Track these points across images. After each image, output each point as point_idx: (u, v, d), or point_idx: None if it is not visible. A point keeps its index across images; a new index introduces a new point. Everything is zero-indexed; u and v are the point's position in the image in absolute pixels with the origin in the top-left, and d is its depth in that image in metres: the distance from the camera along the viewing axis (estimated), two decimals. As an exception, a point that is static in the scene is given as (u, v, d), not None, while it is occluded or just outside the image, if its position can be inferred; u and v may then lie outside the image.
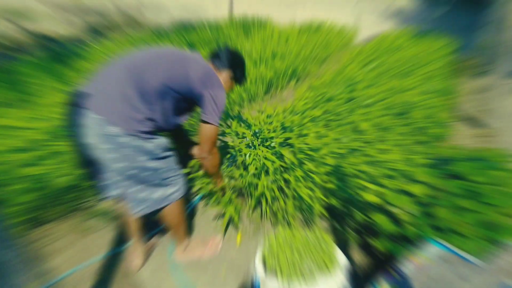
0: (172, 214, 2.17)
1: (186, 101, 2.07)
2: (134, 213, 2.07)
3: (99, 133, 1.80)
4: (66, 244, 2.46)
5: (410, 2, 17.58)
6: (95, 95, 1.83)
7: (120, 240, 2.52)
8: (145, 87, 1.88)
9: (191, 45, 6.06)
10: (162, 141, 1.98)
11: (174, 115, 2.07)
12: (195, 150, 2.56)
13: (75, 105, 1.85)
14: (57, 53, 5.32)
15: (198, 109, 2.18)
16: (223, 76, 2.27)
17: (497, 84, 4.17)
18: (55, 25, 9.71)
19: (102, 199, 2.18)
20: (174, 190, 2.10)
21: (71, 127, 1.88)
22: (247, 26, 7.67)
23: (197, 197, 2.88)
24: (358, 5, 8.53)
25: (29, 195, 2.33)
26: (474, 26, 11.05)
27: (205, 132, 2.13)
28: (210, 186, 2.60)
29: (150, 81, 1.89)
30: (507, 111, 3.73)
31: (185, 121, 2.24)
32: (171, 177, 2.07)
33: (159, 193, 2.05)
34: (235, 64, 2.31)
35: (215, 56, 2.29)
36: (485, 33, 6.88)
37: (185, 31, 6.81)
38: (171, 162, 2.07)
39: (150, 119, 1.90)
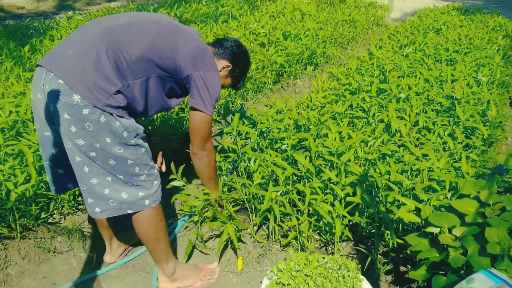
0: (147, 225, 2.15)
1: (172, 81, 2.15)
2: (93, 213, 2.09)
3: (62, 100, 1.86)
4: (25, 268, 2.47)
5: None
6: (64, 59, 1.92)
7: (91, 265, 2.52)
8: (122, 56, 1.95)
9: (184, 22, 6.08)
10: (132, 123, 2.01)
11: (155, 96, 2.14)
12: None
13: (43, 66, 1.93)
14: (16, 31, 5.36)
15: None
16: (221, 65, 2.35)
17: None
18: (15, -4, 9.77)
19: (57, 190, 2.25)
20: (147, 193, 2.10)
21: (34, 90, 1.98)
22: (253, -1, 7.69)
23: (185, 215, 2.88)
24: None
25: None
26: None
27: (194, 122, 2.22)
28: (204, 198, 2.61)
29: (129, 50, 1.97)
30: None
31: (170, 108, 2.32)
32: (142, 175, 2.07)
33: (127, 193, 2.05)
34: (238, 59, 2.42)
35: (218, 42, 2.37)
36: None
37: (176, 5, 6.83)
38: (144, 155, 2.07)
39: (123, 94, 1.96)
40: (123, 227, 2.49)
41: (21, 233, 2.60)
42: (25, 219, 2.64)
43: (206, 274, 2.43)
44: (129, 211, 2.09)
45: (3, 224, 2.57)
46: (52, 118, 1.98)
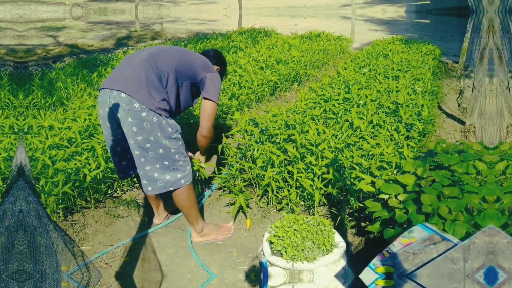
0: (182, 198, 2.18)
1: (192, 86, 2.24)
2: (147, 191, 2.14)
3: (126, 109, 1.93)
4: (98, 229, 2.48)
5: (399, 13, 17.42)
6: (122, 79, 1.99)
7: (144, 226, 2.53)
8: (161, 72, 2.03)
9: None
10: (173, 121, 2.08)
11: (183, 98, 2.22)
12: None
13: (106, 88, 2.00)
14: (87, 62, 5.35)
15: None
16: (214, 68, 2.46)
17: (477, 86, 4.12)
18: (87, 38, 9.76)
19: (122, 177, 2.35)
20: (183, 175, 2.12)
21: (102, 106, 2.04)
22: (254, 36, 7.64)
23: (211, 186, 2.89)
24: (353, 16, 8.47)
25: (65, 186, 2.35)
26: (455, 34, 10.93)
27: (208, 109, 2.27)
28: (223, 177, 2.63)
29: (165, 67, 2.05)
30: (486, 109, 3.69)
31: (191, 105, 2.39)
32: (180, 161, 2.10)
33: (170, 175, 2.08)
34: (220, 61, 2.56)
35: (205, 55, 2.48)
36: (465, 40, 6.79)
37: (199, 41, 6.80)
38: (181, 146, 2.11)
39: (166, 100, 2.02)
40: (165, 198, 2.49)
41: (94, 204, 2.61)
42: (97, 194, 2.65)
43: (225, 230, 2.44)
44: (171, 188, 2.13)
45: (81, 198, 2.58)
46: (117, 124, 2.04)
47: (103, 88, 2.02)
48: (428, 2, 18.26)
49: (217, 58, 2.54)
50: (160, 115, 1.97)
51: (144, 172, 2.07)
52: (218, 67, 2.52)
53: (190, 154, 2.65)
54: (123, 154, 2.21)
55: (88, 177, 2.46)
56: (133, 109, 1.92)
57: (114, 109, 1.97)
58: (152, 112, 1.94)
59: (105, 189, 2.69)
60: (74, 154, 2.64)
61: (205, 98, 2.26)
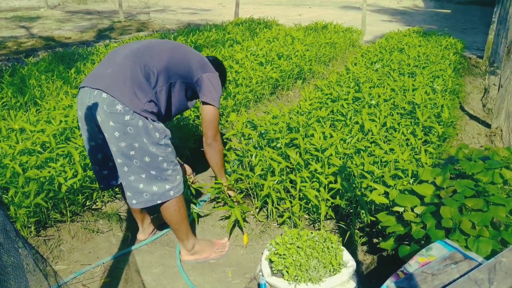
0: (171, 211, 2.15)
1: (186, 87, 2.20)
2: (131, 204, 2.10)
3: (107, 111, 1.88)
4: (74, 246, 2.47)
5: (415, 2, 17.52)
6: (104, 77, 1.94)
7: (127, 242, 2.52)
8: (149, 69, 1.99)
9: (197, 47, 6.07)
10: (162, 126, 2.04)
11: (175, 100, 2.19)
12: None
13: (87, 86, 1.96)
14: (64, 56, 5.36)
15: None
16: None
17: (504, 84, 4.13)
18: (65, 29, 9.78)
19: (103, 188, 2.28)
20: (172, 186, 2.09)
21: (81, 108, 1.99)
22: (253, 28, 7.67)
23: (203, 197, 2.88)
24: (364, 5, 8.51)
25: (38, 197, 2.34)
26: (479, 25, 10.99)
27: (208, 115, 2.25)
28: (216, 187, 2.61)
29: (155, 64, 2.02)
30: (515, 110, 3.70)
31: (187, 108, 2.36)
32: (169, 170, 2.06)
33: (157, 186, 2.05)
34: (220, 70, 2.47)
35: None
36: (490, 33, 6.82)
37: (191, 33, 6.82)
38: (171, 154, 2.08)
39: (154, 102, 1.99)
40: (152, 211, 2.49)
41: (70, 218, 2.60)
42: (74, 206, 2.64)
43: (219, 247, 2.43)
44: (158, 201, 2.09)
45: (56, 211, 2.58)
46: (98, 128, 2.00)
47: (83, 87, 1.98)
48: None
49: (216, 66, 2.41)
50: (146, 118, 1.93)
51: (128, 183, 2.04)
52: (217, 73, 2.39)
53: (187, 167, 2.65)
54: (105, 162, 2.17)
55: (63, 186, 2.46)
56: (115, 112, 1.87)
57: (94, 111, 1.93)
58: (137, 115, 1.90)
59: (83, 200, 2.69)
60: (48, 160, 2.64)
61: (203, 103, 2.23)
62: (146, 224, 2.49)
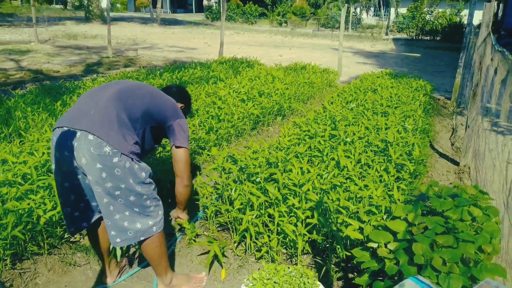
0: (153, 247, 2.08)
1: (158, 130, 2.22)
2: (115, 243, 2.01)
3: (94, 153, 1.81)
4: (50, 279, 2.36)
5: (389, 46, 18.17)
6: (88, 118, 1.87)
7: (104, 276, 2.42)
8: (132, 113, 1.99)
9: (182, 83, 6.10)
10: (146, 165, 2.01)
11: (149, 142, 2.18)
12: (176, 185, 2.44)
13: (66, 127, 1.88)
14: (51, 89, 5.31)
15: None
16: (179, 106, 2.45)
17: (470, 124, 4.25)
18: (54, 63, 9.74)
19: (73, 231, 2.10)
20: (154, 222, 2.04)
21: (59, 149, 1.88)
22: (236, 66, 7.78)
23: (178, 233, 2.81)
24: (341, 48, 8.75)
25: (15, 229, 2.24)
26: (446, 70, 11.41)
27: (182, 156, 2.27)
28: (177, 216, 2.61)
29: (137, 108, 2.02)
30: (481, 149, 3.78)
31: (156, 148, 2.39)
32: (152, 206, 2.02)
33: (141, 223, 1.99)
34: (185, 98, 2.61)
35: (166, 90, 2.51)
36: (457, 76, 7.07)
37: (176, 70, 6.87)
38: (154, 191, 2.05)
39: (137, 143, 1.97)
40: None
41: (48, 250, 2.50)
42: (52, 238, 2.54)
43: (197, 282, 2.35)
44: (141, 238, 2.02)
45: (33, 243, 2.47)
46: (76, 170, 1.91)
47: (61, 127, 1.89)
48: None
49: (181, 95, 2.55)
50: (132, 159, 1.90)
51: (113, 222, 1.96)
52: (182, 104, 2.54)
53: (176, 215, 2.64)
54: (76, 204, 2.04)
55: (42, 219, 2.37)
56: (103, 154, 1.82)
57: (77, 153, 1.84)
58: (124, 157, 1.86)
59: (61, 233, 2.59)
60: (28, 192, 2.55)
61: (176, 147, 2.25)
62: (113, 267, 2.39)
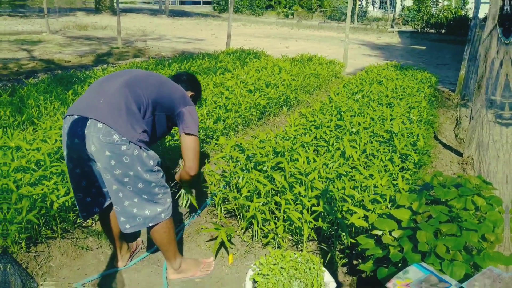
0: (161, 233, 2.11)
1: (167, 118, 2.20)
2: (124, 229, 2.03)
3: (103, 141, 1.82)
4: (63, 262, 2.39)
5: (394, 39, 17.98)
6: (97, 106, 1.88)
7: (115, 260, 2.45)
8: (140, 102, 1.98)
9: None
10: (154, 153, 2.01)
11: (159, 129, 2.18)
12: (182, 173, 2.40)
13: (76, 115, 1.89)
14: (63, 79, 5.32)
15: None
16: (189, 95, 2.43)
17: (475, 116, 4.21)
18: (65, 53, 9.76)
19: (86, 216, 2.14)
20: (163, 209, 2.06)
21: (70, 137, 1.90)
22: (243, 57, 7.75)
23: (188, 219, 2.83)
24: (347, 40, 8.68)
25: (30, 213, 2.27)
26: (451, 62, 11.28)
27: (190, 144, 2.21)
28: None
29: (144, 97, 2.00)
30: (484, 141, 3.75)
31: (165, 136, 2.41)
32: (160, 193, 2.04)
33: (149, 210, 2.01)
34: (195, 87, 2.55)
35: (176, 78, 2.48)
36: (462, 68, 7.00)
37: (185, 60, 6.86)
38: (162, 179, 2.06)
39: (146, 132, 1.96)
40: (128, 239, 2.46)
41: (61, 234, 2.53)
42: (65, 223, 2.57)
43: (205, 266, 2.37)
44: (150, 224, 2.05)
45: (47, 227, 2.50)
46: (87, 156, 1.92)
47: (72, 115, 1.90)
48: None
49: (191, 83, 2.51)
50: (140, 147, 1.90)
51: (122, 208, 1.97)
52: (193, 92, 2.51)
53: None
54: (88, 189, 2.07)
55: (55, 204, 2.39)
56: (112, 142, 1.82)
57: (87, 140, 1.86)
58: (132, 145, 1.86)
59: (74, 217, 2.62)
60: (42, 178, 2.57)
61: (186, 134, 2.20)
62: (124, 251, 2.41)
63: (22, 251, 2.35)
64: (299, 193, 2.49)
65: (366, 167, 2.95)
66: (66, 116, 1.93)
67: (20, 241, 2.35)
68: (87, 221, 2.71)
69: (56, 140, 2.95)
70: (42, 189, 2.41)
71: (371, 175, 2.67)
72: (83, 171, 2.00)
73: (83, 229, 2.65)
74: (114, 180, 1.90)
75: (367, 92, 5.09)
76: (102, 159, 1.85)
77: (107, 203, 2.16)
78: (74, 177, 2.03)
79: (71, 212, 2.57)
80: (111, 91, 1.94)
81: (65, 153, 1.98)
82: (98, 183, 2.06)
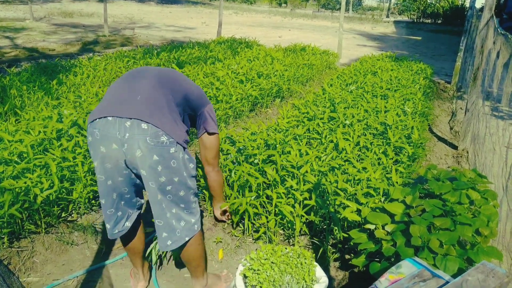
0: (195, 247, 1.94)
1: (190, 117, 2.09)
2: (166, 246, 1.84)
3: (151, 144, 1.62)
4: (48, 258, 2.37)
5: (389, 29, 18.00)
6: (136, 104, 1.65)
7: (101, 255, 2.44)
8: (176, 99, 1.82)
9: (180, 63, 6.05)
10: (192, 156, 1.85)
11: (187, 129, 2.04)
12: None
13: (110, 116, 1.64)
14: (47, 68, 5.25)
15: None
16: None
17: (470, 108, 4.24)
18: (49, 41, 9.62)
19: (116, 234, 1.91)
20: (196, 219, 1.90)
21: (105, 142, 1.66)
22: (235, 47, 7.70)
23: None
24: (341, 29, 8.66)
25: (12, 207, 2.24)
26: (447, 53, 11.33)
27: (214, 143, 2.22)
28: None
29: (177, 95, 1.84)
30: (480, 133, 3.78)
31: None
32: (194, 202, 1.89)
33: (184, 221, 1.84)
34: None
35: None
36: (457, 60, 7.03)
37: (174, 49, 6.80)
38: (196, 185, 1.93)
39: (187, 131, 1.87)
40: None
41: (45, 229, 2.50)
42: (49, 217, 2.55)
43: (225, 278, 2.25)
44: (186, 239, 1.86)
45: (30, 222, 2.48)
46: (125, 164, 1.70)
47: (104, 117, 1.64)
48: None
49: None
50: (184, 149, 1.74)
51: (166, 221, 1.79)
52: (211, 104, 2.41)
53: (219, 214, 2.59)
54: (118, 202, 1.84)
55: (39, 197, 2.37)
56: (160, 144, 1.62)
57: (131, 145, 1.62)
58: (179, 147, 1.70)
59: (59, 211, 2.59)
60: (25, 171, 2.54)
61: (209, 133, 2.17)
62: (146, 270, 2.21)
63: (4, 246, 2.32)
64: (291, 186, 2.49)
65: (359, 160, 2.96)
66: (94, 120, 1.66)
67: (3, 236, 2.33)
68: (73, 215, 2.69)
69: (39, 132, 2.92)
70: (25, 182, 2.39)
71: (364, 168, 2.68)
72: (115, 182, 1.76)
73: (68, 223, 2.63)
74: (158, 189, 1.71)
75: (361, 84, 5.10)
76: (147, 165, 1.65)
77: (135, 216, 1.97)
78: (105, 191, 1.79)
79: (55, 206, 2.55)
80: (145, 89, 1.72)
81: (96, 163, 1.73)
82: (128, 194, 1.85)
